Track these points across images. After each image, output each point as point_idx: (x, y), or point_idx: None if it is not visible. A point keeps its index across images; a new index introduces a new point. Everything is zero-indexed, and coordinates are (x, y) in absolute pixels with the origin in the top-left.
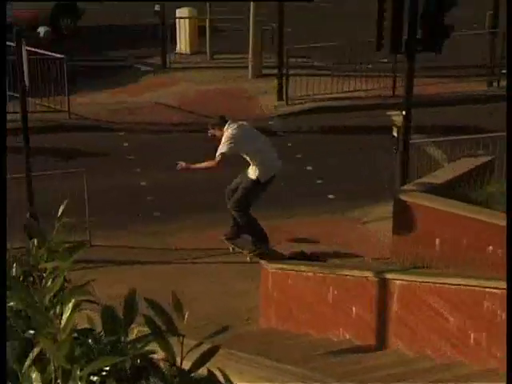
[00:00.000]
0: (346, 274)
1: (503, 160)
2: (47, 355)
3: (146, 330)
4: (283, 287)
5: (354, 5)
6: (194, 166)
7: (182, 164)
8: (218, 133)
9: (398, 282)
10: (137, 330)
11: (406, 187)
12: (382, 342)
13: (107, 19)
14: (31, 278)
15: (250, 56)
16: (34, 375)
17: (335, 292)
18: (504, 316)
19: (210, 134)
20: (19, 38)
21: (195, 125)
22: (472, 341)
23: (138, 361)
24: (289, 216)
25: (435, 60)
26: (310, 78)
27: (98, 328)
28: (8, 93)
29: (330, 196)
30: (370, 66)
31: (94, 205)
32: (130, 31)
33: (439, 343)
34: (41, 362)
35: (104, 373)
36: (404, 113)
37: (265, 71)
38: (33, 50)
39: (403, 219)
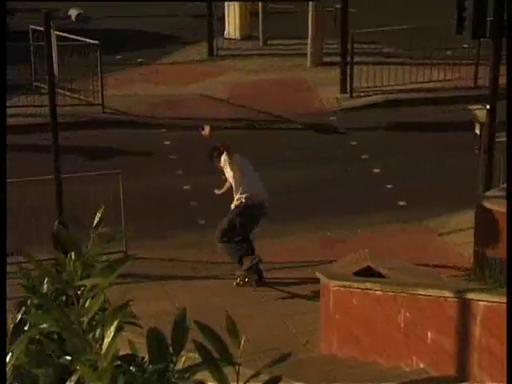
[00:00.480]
0: (421, 293)
1: None
2: None
3: (196, 356)
4: (347, 307)
5: None
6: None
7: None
8: (217, 163)
9: (480, 302)
10: (185, 357)
11: (490, 193)
12: (462, 373)
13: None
14: (64, 297)
15: (309, 42)
16: None
17: (407, 314)
18: None
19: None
20: (48, 21)
21: (246, 121)
22: None
23: None
24: (354, 226)
25: None
26: (377, 66)
27: (141, 353)
28: (34, 83)
29: (401, 203)
30: (448, 53)
31: (130, 211)
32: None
33: None
34: None
35: None
36: (488, 107)
37: (326, 59)
38: (63, 34)
39: (486, 230)
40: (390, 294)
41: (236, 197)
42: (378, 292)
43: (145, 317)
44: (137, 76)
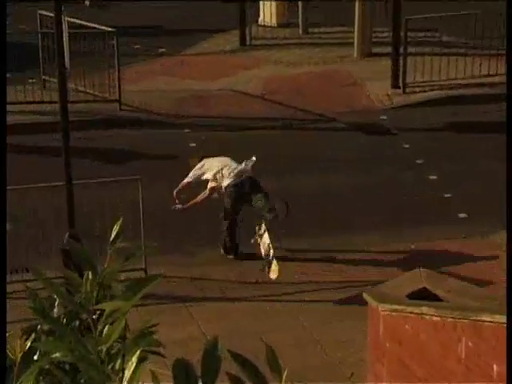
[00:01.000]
0: (485, 319)
1: None
2: None
3: None
4: (399, 335)
5: None
6: (189, 204)
7: (179, 207)
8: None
9: None
10: None
11: None
12: None
13: None
14: (78, 322)
15: (355, 29)
16: None
17: (469, 343)
18: None
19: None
20: (59, 6)
21: (283, 120)
22: None
23: None
24: (407, 240)
25: None
26: (434, 57)
27: None
28: (42, 77)
29: (462, 215)
30: None
31: (150, 222)
32: None
33: None
34: None
35: None
36: None
37: (375, 49)
38: (76, 21)
39: None
40: (449, 319)
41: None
42: (435, 317)
43: (168, 344)
44: (158, 68)
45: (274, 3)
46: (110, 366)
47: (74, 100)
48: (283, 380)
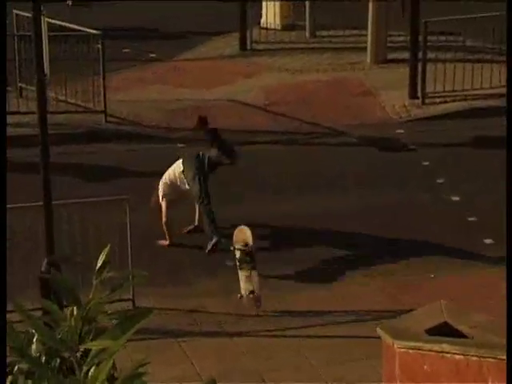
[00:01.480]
0: None
1: None
2: None
3: None
4: (417, 375)
5: None
6: (168, 232)
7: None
8: None
9: None
10: None
11: None
12: None
13: None
14: (58, 360)
15: (369, 33)
16: None
17: None
18: None
19: None
20: (38, 5)
21: (290, 133)
22: None
23: None
24: (427, 269)
25: None
26: (457, 64)
27: None
28: (18, 84)
29: (488, 240)
30: None
31: (139, 247)
32: None
33: None
34: None
35: None
36: None
37: (391, 55)
38: (57, 22)
39: None
40: (474, 358)
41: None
42: (457, 356)
43: None
44: (149, 76)
45: (277, 3)
46: None
47: (53, 110)
48: None
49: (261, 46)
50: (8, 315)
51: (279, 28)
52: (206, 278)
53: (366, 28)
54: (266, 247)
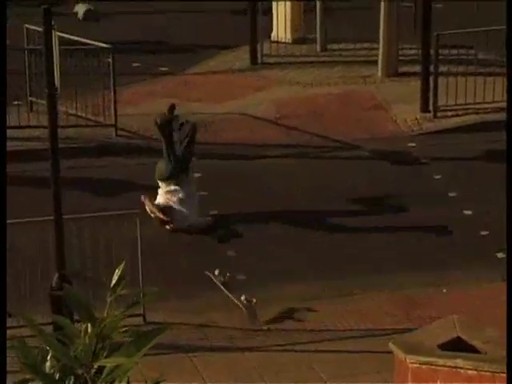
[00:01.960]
0: None
1: None
2: None
3: None
4: None
5: None
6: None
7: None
8: None
9: None
10: None
11: None
12: None
13: None
14: (72, 378)
15: (380, 46)
16: None
17: None
18: None
19: None
20: (48, 19)
21: (301, 147)
22: None
23: None
24: (439, 283)
25: None
26: (469, 78)
27: None
28: (29, 98)
29: (500, 254)
30: None
31: (149, 261)
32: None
33: None
34: None
35: None
36: None
37: (402, 68)
38: (67, 36)
39: None
40: (487, 374)
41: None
42: (470, 371)
43: None
44: (159, 89)
45: (288, 16)
46: None
47: (64, 124)
48: None
49: (271, 60)
50: (18, 330)
51: (290, 41)
52: (216, 292)
53: (377, 41)
54: (275, 261)
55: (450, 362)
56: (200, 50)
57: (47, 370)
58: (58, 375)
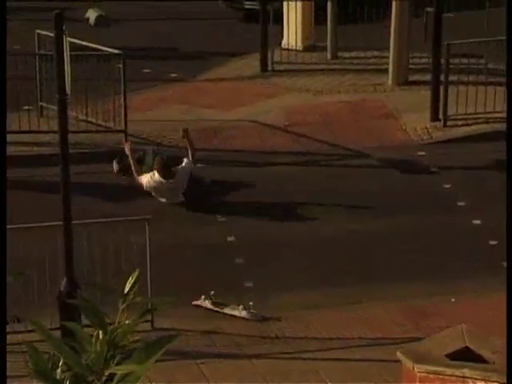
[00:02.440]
0: None
1: None
2: None
3: None
4: None
5: None
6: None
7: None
8: None
9: None
10: None
11: None
12: None
13: None
14: None
15: (391, 54)
16: None
17: None
18: None
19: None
20: (60, 25)
21: (310, 155)
22: None
23: None
24: (450, 292)
25: None
26: (479, 87)
27: None
28: (40, 103)
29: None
30: None
31: (158, 268)
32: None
33: None
34: None
35: None
36: None
37: (413, 77)
38: (78, 42)
39: None
40: None
41: None
42: (478, 381)
43: None
44: (170, 96)
45: (299, 24)
46: None
47: (74, 130)
48: None
49: (282, 67)
50: (27, 335)
51: (300, 49)
52: (224, 298)
53: (387, 50)
54: (285, 269)
55: (457, 372)
56: (211, 56)
57: (58, 376)
58: (68, 382)
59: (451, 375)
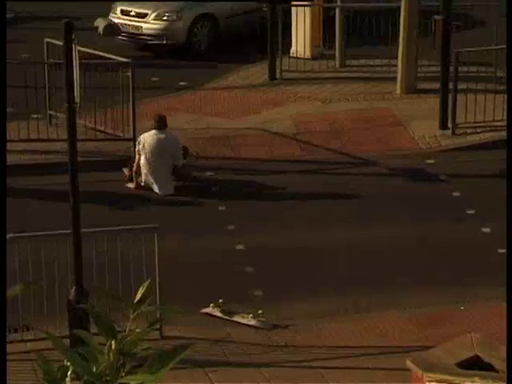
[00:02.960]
0: None
1: None
2: None
3: None
4: None
5: None
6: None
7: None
8: None
9: None
10: None
11: None
12: None
13: None
14: None
15: (399, 63)
16: None
17: None
18: None
19: None
20: (69, 33)
21: (319, 163)
22: None
23: None
24: (459, 301)
25: None
26: (488, 95)
27: None
28: (48, 112)
29: None
30: None
31: (167, 276)
32: None
33: None
34: None
35: None
36: None
37: (421, 85)
38: (87, 50)
39: None
40: None
41: None
42: None
43: None
44: (178, 104)
45: (308, 32)
46: None
47: (83, 138)
48: None
49: (290, 76)
50: (36, 343)
51: (309, 57)
52: (233, 306)
53: (395, 58)
54: (294, 277)
55: (467, 381)
56: (219, 64)
57: None
58: None
59: None
